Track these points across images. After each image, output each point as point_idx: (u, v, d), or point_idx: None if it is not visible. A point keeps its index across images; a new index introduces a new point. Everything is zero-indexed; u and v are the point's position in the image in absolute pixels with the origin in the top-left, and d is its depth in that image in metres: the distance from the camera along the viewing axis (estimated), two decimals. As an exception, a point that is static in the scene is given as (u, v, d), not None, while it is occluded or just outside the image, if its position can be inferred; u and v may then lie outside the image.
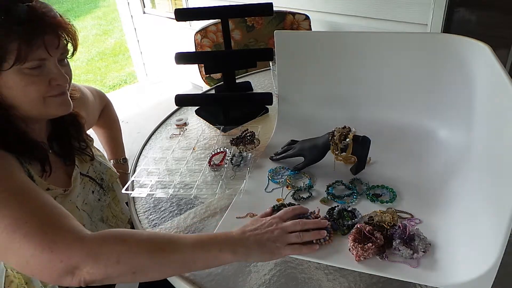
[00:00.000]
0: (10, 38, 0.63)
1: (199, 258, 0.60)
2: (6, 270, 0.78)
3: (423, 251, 0.66)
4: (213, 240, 0.62)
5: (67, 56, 0.74)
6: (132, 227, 0.88)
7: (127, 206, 0.99)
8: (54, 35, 0.68)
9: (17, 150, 0.69)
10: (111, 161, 1.16)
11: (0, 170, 0.64)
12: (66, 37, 0.71)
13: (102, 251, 0.55)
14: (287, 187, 0.87)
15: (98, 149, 0.97)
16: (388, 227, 0.70)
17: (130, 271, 0.56)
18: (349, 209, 0.77)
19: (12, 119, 0.71)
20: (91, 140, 0.94)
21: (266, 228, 0.67)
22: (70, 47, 0.73)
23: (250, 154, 0.98)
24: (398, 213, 0.75)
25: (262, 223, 0.68)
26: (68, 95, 0.75)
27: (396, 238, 0.67)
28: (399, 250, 0.66)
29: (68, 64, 0.75)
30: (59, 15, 0.70)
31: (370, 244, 0.66)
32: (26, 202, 0.60)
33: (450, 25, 1.62)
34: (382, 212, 0.75)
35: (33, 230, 0.56)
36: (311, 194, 0.84)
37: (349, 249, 0.68)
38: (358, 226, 0.70)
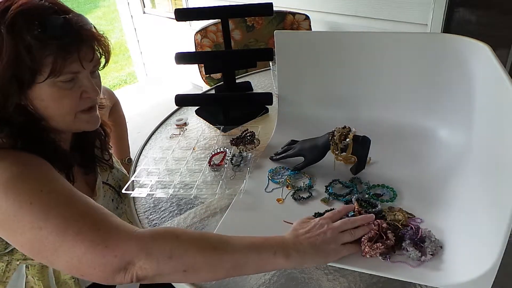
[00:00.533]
0: (46, 52, 0.62)
1: (252, 261, 0.59)
2: (27, 276, 0.78)
3: (431, 254, 0.65)
4: (266, 243, 0.60)
5: (99, 68, 0.74)
6: None
7: None
8: (89, 48, 0.67)
9: (49, 159, 0.68)
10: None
11: (46, 172, 0.64)
12: (100, 50, 0.71)
13: (155, 246, 0.55)
14: (287, 187, 0.87)
15: (112, 155, 0.98)
16: (401, 227, 0.70)
17: (181, 268, 0.56)
18: (364, 199, 0.79)
19: (43, 130, 0.71)
20: (111, 147, 0.94)
21: (318, 230, 0.64)
22: (102, 59, 0.73)
23: (250, 154, 0.98)
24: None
25: (312, 226, 0.65)
26: (97, 109, 0.76)
27: (406, 238, 0.67)
28: (407, 251, 0.66)
29: (98, 76, 0.75)
30: (94, 28, 0.70)
31: (380, 244, 0.66)
32: (74, 202, 0.60)
33: (450, 25, 1.62)
34: (389, 209, 0.75)
35: (85, 227, 0.55)
36: (311, 194, 0.84)
37: (362, 242, 0.67)
38: (377, 222, 0.69)
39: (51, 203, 0.58)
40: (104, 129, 0.88)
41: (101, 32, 0.71)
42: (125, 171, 0.98)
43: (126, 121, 1.25)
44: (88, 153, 0.84)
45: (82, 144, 0.83)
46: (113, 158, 0.93)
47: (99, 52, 0.71)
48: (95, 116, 0.75)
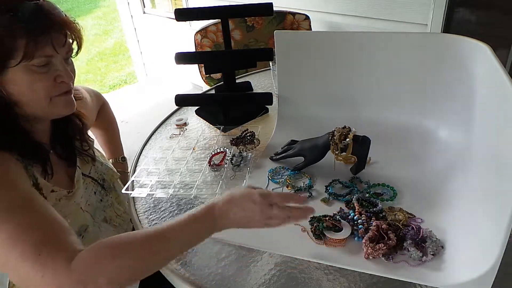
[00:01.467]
0: (17, 35, 0.63)
1: (185, 248, 0.64)
2: None
3: (432, 254, 0.65)
4: (200, 232, 0.63)
5: (72, 55, 0.74)
6: (133, 228, 0.89)
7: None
8: (61, 32, 0.68)
9: (20, 151, 0.69)
10: (110, 160, 1.15)
11: (3, 178, 0.63)
12: (72, 35, 0.71)
13: (90, 276, 0.54)
14: (287, 187, 0.87)
15: (98, 150, 0.97)
16: (402, 227, 0.70)
17: (121, 284, 0.56)
18: (365, 198, 0.79)
19: (17, 118, 0.71)
20: (92, 140, 0.94)
21: (254, 216, 0.64)
22: (75, 46, 0.74)
23: (250, 154, 0.98)
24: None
25: (252, 213, 0.64)
26: (73, 94, 0.76)
27: (408, 238, 0.68)
28: (409, 251, 0.66)
29: (72, 63, 0.76)
30: (65, 15, 0.71)
31: (382, 244, 0.66)
32: (26, 214, 0.59)
33: (450, 25, 1.62)
34: (389, 209, 0.75)
35: (28, 250, 0.55)
36: (311, 194, 0.84)
37: (363, 244, 0.68)
38: (376, 223, 0.70)
39: (3, 215, 0.57)
40: (82, 120, 0.88)
41: (72, 19, 0.72)
42: (110, 166, 0.97)
43: (126, 121, 1.26)
44: (68, 144, 0.84)
45: (62, 136, 0.83)
46: (94, 151, 0.92)
47: (71, 38, 0.71)
48: (70, 99, 0.75)
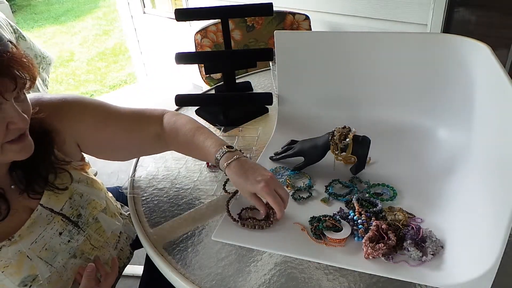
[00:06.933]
0: None
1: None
2: None
3: (432, 254, 0.65)
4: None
5: (25, 90, 0.65)
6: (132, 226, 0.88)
7: (124, 206, 0.99)
8: (10, 77, 0.60)
9: None
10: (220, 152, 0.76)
11: None
12: (22, 74, 0.62)
13: None
14: (287, 187, 0.87)
15: (90, 173, 0.86)
16: (402, 227, 0.70)
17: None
18: (365, 198, 0.79)
19: None
20: (68, 162, 0.78)
21: (263, 177, 0.72)
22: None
23: (249, 154, 0.98)
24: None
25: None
26: (28, 136, 0.67)
27: (407, 238, 0.68)
28: (409, 251, 0.66)
29: (25, 98, 0.66)
30: (14, 47, 0.62)
31: (381, 244, 0.66)
32: None
33: (450, 25, 1.62)
34: (389, 209, 0.75)
35: None
36: (311, 194, 0.84)
37: (363, 244, 0.68)
38: (376, 223, 0.70)
39: None
40: (47, 139, 0.73)
41: (22, 52, 0.63)
42: (97, 195, 0.84)
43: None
44: (30, 173, 0.72)
45: (22, 163, 0.70)
46: (76, 175, 0.79)
47: (22, 77, 0.62)
48: (26, 145, 0.66)
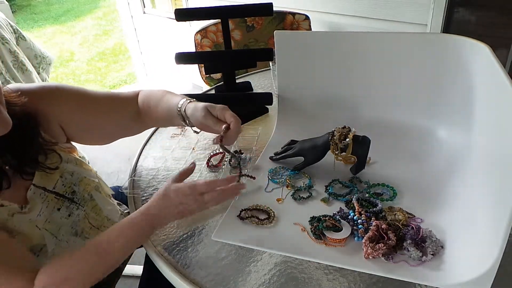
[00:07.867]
0: None
1: (127, 253, 0.72)
2: None
3: (432, 254, 0.65)
4: (139, 236, 0.72)
5: None
6: None
7: (119, 206, 0.98)
8: None
9: None
10: (184, 102, 0.84)
11: None
12: None
13: None
14: (287, 187, 0.87)
15: (77, 155, 0.87)
16: (402, 227, 0.70)
17: None
18: (365, 198, 0.79)
19: None
20: (55, 143, 0.80)
21: (188, 207, 0.72)
22: None
23: (248, 155, 0.98)
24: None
25: (186, 205, 0.72)
26: (3, 112, 0.65)
27: (407, 238, 0.68)
28: (408, 251, 0.66)
29: None
30: None
31: (381, 244, 0.66)
32: None
33: (450, 25, 1.62)
34: (389, 209, 0.75)
35: None
36: (311, 194, 0.84)
37: (363, 244, 0.68)
38: (376, 223, 0.70)
39: None
40: (32, 121, 0.74)
41: None
42: (88, 174, 0.86)
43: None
44: (20, 155, 0.72)
45: (10, 146, 0.71)
46: (65, 156, 0.81)
47: None
48: (3, 120, 0.65)
